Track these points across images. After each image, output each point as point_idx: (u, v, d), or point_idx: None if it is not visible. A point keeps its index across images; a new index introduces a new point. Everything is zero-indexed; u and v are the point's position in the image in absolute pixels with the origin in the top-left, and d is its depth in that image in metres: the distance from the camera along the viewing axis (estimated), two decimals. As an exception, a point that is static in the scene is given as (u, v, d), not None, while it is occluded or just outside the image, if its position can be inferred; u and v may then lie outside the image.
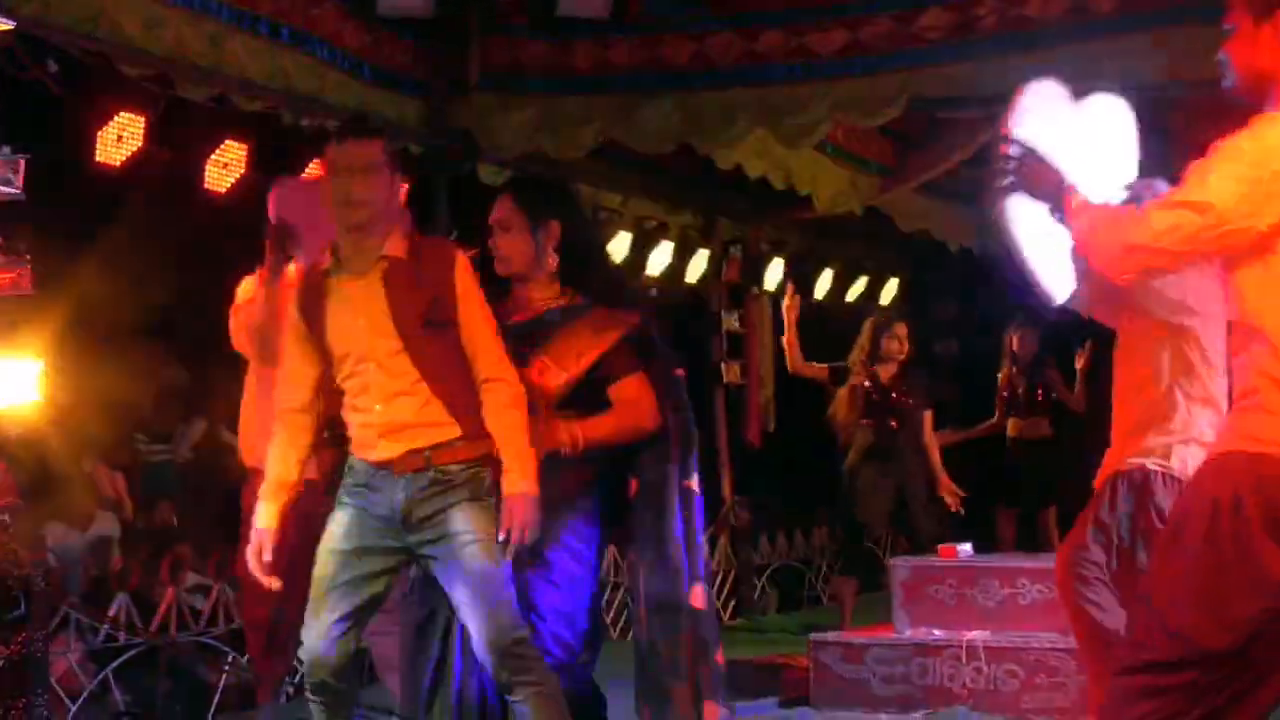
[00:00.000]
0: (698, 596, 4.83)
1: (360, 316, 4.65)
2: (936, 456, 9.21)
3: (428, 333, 4.62)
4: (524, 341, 4.81)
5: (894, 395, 9.17)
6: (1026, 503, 10.86)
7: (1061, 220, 3.53)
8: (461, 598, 4.56)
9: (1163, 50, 7.14)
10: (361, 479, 4.68)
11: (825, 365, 9.38)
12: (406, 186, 4.87)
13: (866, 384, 9.15)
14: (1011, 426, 10.87)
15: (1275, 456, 3.28)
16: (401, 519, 4.61)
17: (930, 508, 9.06)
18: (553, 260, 4.91)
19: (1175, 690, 3.34)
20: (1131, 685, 3.41)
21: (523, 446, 4.60)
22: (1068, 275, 3.93)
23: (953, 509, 9.10)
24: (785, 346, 9.49)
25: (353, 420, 4.70)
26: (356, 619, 4.65)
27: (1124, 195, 4.07)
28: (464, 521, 4.58)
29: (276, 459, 4.77)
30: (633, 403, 4.81)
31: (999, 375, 10.92)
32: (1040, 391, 10.85)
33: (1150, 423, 5.29)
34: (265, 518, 4.73)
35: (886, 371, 9.17)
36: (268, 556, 4.71)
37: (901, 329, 9.33)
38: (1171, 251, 3.34)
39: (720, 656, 4.88)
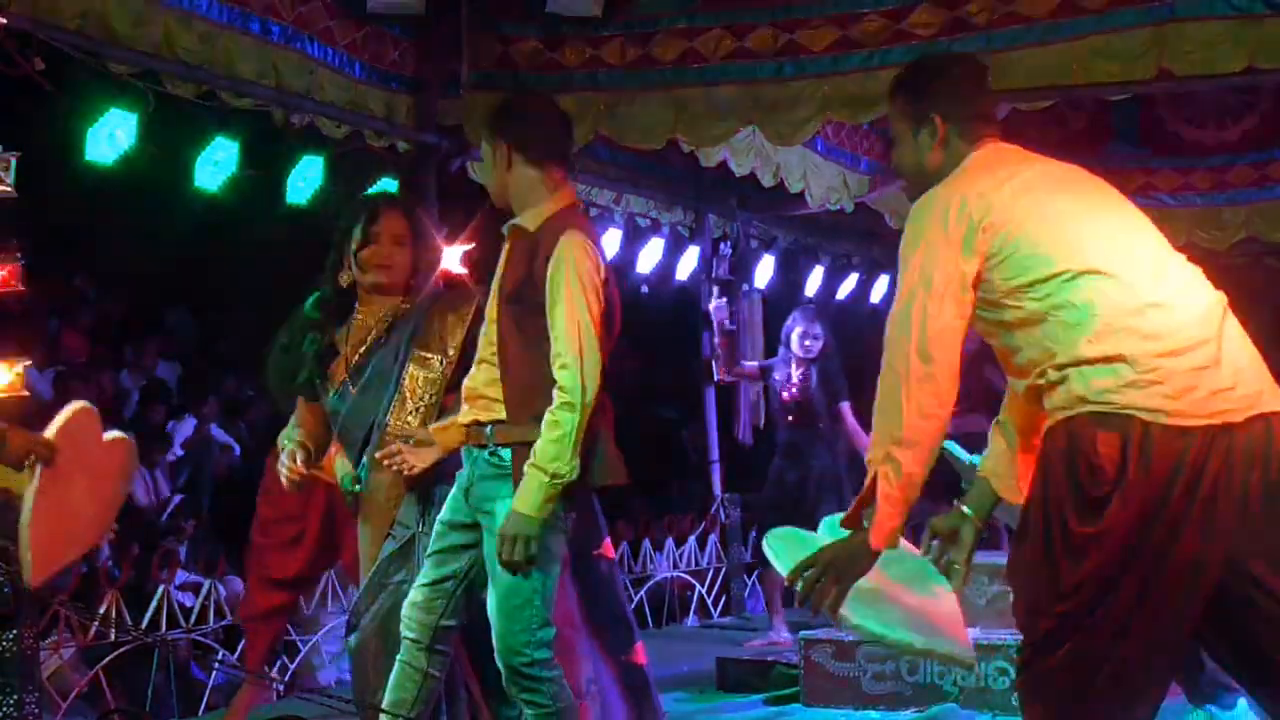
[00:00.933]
0: None
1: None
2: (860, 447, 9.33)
3: (509, 311, 4.67)
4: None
5: (808, 390, 9.25)
6: None
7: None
8: (489, 600, 4.61)
9: (1154, 47, 7.15)
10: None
11: (756, 364, 9.45)
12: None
13: (778, 378, 9.28)
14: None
15: None
16: (464, 491, 4.70)
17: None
18: None
19: (1062, 664, 3.54)
20: (1030, 675, 3.66)
21: (529, 468, 4.59)
22: None
23: None
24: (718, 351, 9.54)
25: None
26: (452, 591, 4.73)
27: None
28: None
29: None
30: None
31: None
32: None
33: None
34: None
35: (801, 366, 9.24)
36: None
37: (816, 326, 9.37)
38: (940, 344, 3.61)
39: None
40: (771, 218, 12.20)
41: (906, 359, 3.61)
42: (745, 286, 11.76)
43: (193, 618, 7.87)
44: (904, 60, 7.67)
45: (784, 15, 7.93)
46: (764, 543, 4.02)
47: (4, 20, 5.94)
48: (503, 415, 4.59)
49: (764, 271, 12.23)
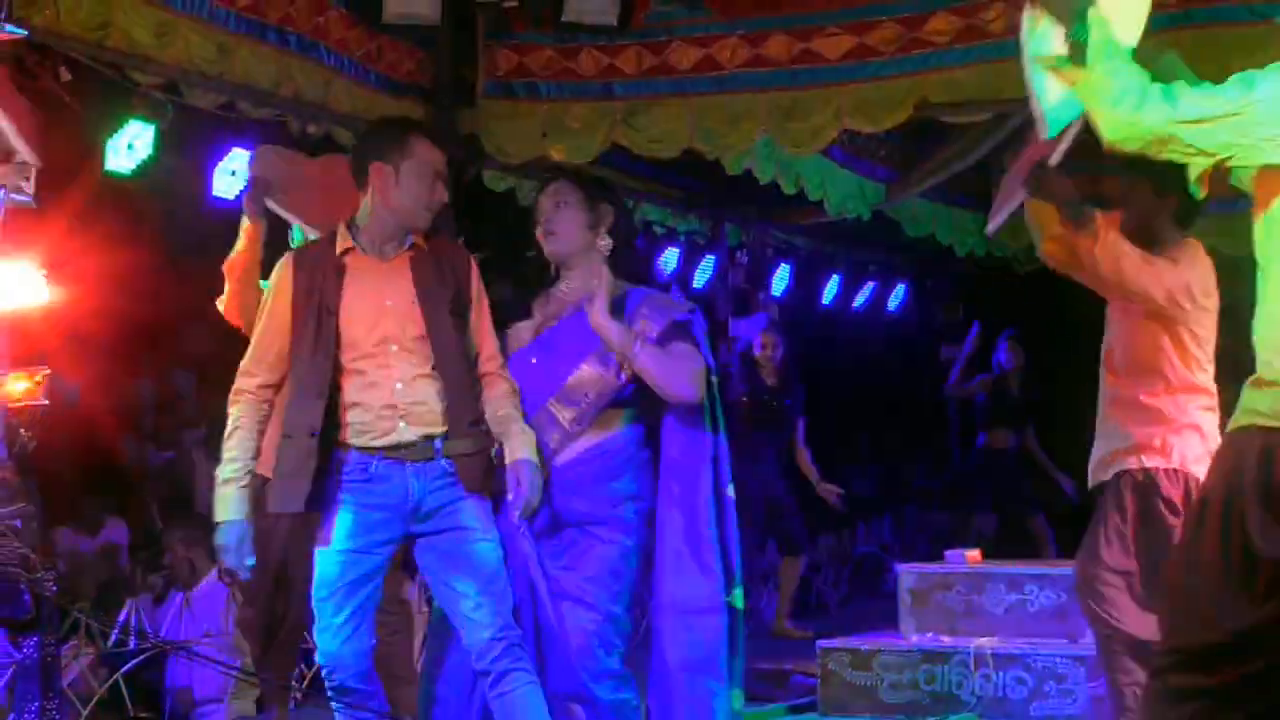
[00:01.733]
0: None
1: (387, 298, 4.71)
2: (805, 463, 9.42)
3: (448, 322, 4.72)
4: (575, 337, 4.87)
5: (766, 403, 9.29)
6: (1007, 510, 11.01)
7: None
8: (467, 590, 4.62)
9: (1170, 52, 7.13)
10: (360, 473, 4.69)
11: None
12: None
13: (744, 396, 9.31)
14: (991, 437, 11.05)
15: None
16: (412, 510, 4.66)
17: (799, 513, 9.26)
18: (605, 244, 4.97)
19: (1212, 692, 3.31)
20: (1166, 686, 3.39)
21: (524, 427, 4.75)
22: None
23: (836, 506, 9.32)
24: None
25: (363, 403, 4.70)
26: (365, 616, 4.70)
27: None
28: (474, 517, 4.68)
29: (248, 441, 4.76)
30: (684, 357, 4.86)
31: (984, 382, 11.07)
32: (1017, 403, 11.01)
33: (1143, 417, 5.26)
34: (235, 508, 4.73)
35: (765, 378, 9.29)
36: (249, 552, 4.74)
37: (770, 336, 9.39)
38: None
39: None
40: (788, 225, 12.21)
41: None
42: (762, 295, 11.78)
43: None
44: (920, 68, 7.69)
45: (800, 23, 7.93)
46: None
47: (25, 33, 5.96)
48: (447, 428, 4.69)
49: (780, 279, 12.24)
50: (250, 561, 4.76)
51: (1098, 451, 5.38)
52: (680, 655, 4.89)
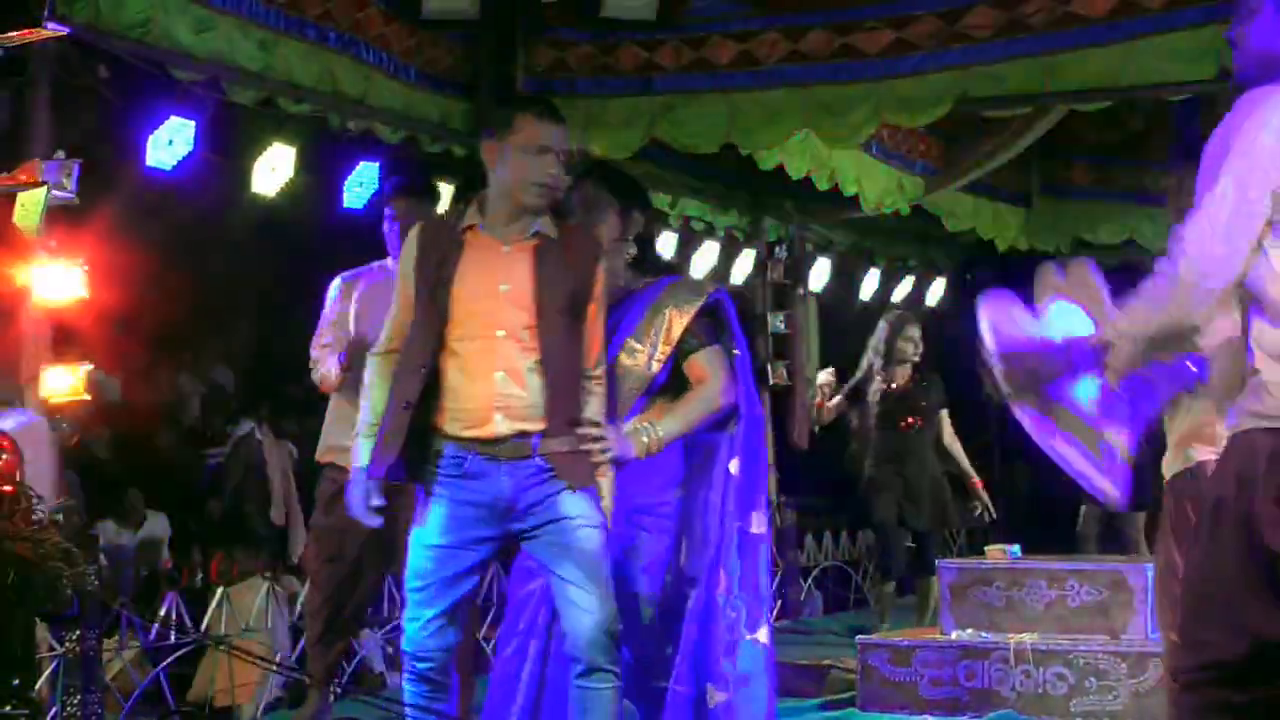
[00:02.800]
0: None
1: (503, 282, 4.63)
2: (962, 455, 9.22)
3: (561, 318, 4.62)
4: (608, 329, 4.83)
5: (910, 398, 9.16)
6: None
7: (1108, 359, 3.48)
8: (573, 577, 4.56)
9: (1214, 46, 7.10)
10: (454, 468, 4.62)
11: (842, 400, 9.31)
12: None
13: (882, 388, 9.15)
14: None
15: None
16: (506, 509, 4.61)
17: (934, 509, 9.09)
18: (631, 252, 4.99)
19: (1244, 709, 3.24)
20: (1198, 700, 3.32)
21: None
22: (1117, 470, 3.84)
23: (982, 517, 9.15)
24: (816, 410, 9.44)
25: (461, 388, 4.62)
26: (456, 613, 4.67)
27: None
28: (574, 506, 4.59)
29: (378, 398, 4.73)
30: (703, 381, 4.87)
31: None
32: None
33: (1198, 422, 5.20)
34: (365, 455, 4.69)
35: (902, 374, 9.14)
36: (376, 500, 4.68)
37: (915, 330, 9.30)
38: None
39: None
40: (827, 221, 12.18)
41: None
42: (801, 290, 11.76)
43: (251, 619, 7.92)
44: (960, 62, 7.67)
45: (839, 18, 7.92)
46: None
47: (68, 30, 6.00)
48: (544, 426, 4.58)
49: (819, 275, 12.21)
50: (375, 505, 4.69)
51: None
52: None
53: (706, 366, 4.88)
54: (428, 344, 4.63)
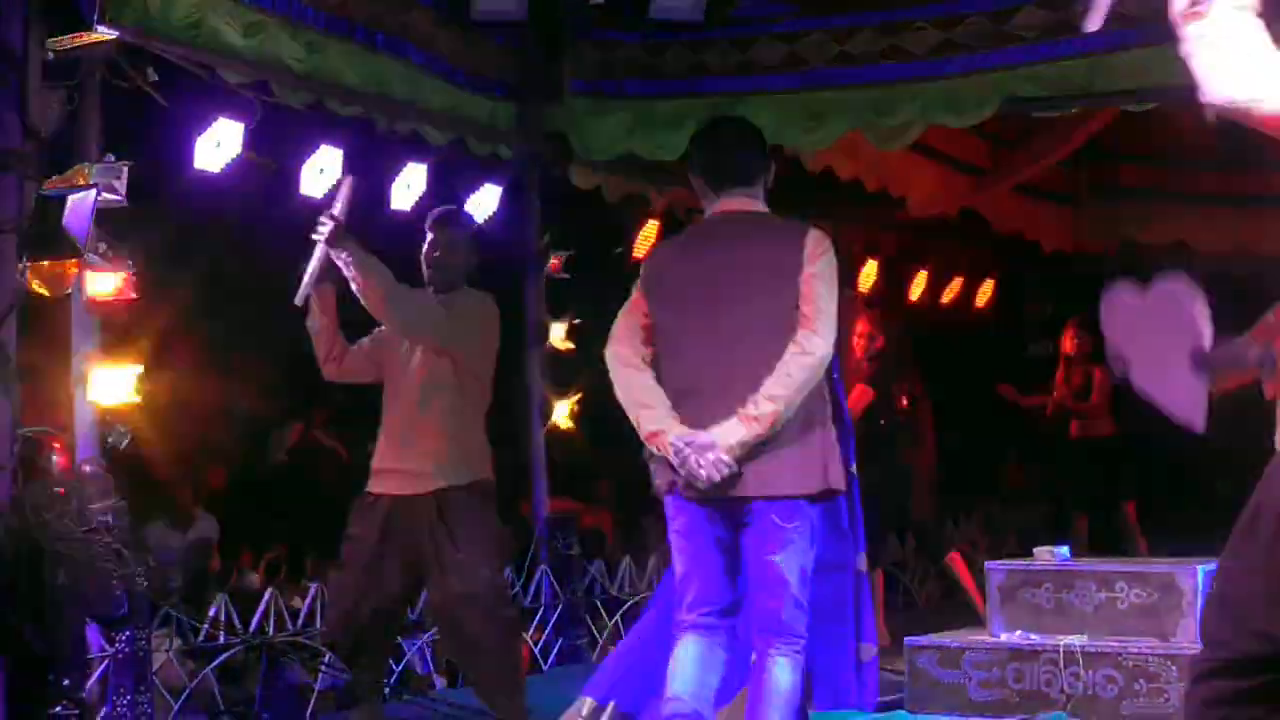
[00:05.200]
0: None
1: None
2: None
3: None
4: None
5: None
6: (1095, 503, 10.90)
7: None
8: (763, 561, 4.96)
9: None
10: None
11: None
12: None
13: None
14: (1073, 427, 10.95)
15: None
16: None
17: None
18: None
19: (1251, 695, 3.24)
20: (1207, 692, 3.31)
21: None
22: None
23: None
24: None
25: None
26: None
27: None
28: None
29: (651, 389, 5.00)
30: None
31: (1055, 374, 11.03)
32: (1094, 390, 10.87)
33: None
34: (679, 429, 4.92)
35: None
36: (724, 460, 4.86)
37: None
38: None
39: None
40: (875, 223, 12.15)
41: None
42: (848, 291, 11.73)
43: (300, 621, 7.95)
44: (1008, 63, 7.63)
45: (886, 19, 7.90)
46: None
47: (117, 33, 6.03)
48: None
49: (866, 276, 12.18)
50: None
51: None
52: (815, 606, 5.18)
53: None
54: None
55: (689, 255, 5.20)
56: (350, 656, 6.51)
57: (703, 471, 4.81)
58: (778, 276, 5.00)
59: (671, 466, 4.90)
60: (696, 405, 4.93)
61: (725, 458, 4.81)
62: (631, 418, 5.01)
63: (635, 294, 5.16)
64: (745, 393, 4.85)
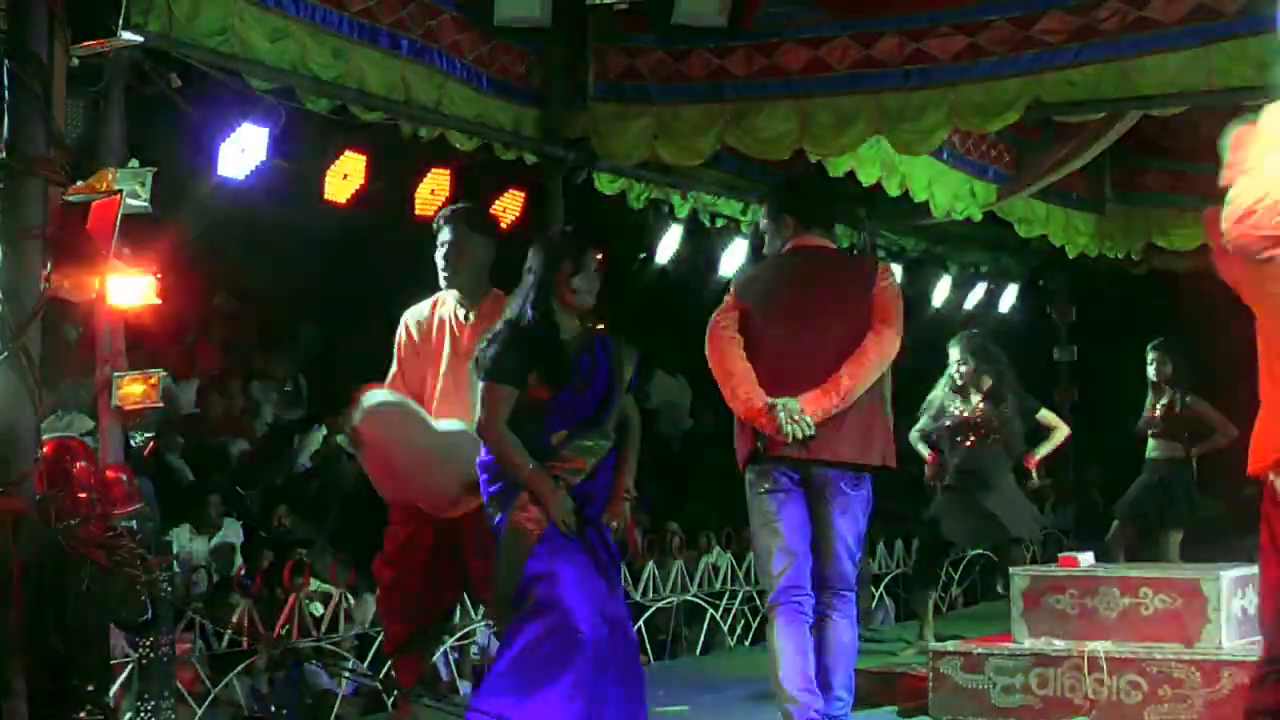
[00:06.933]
0: None
1: None
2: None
3: None
4: None
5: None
6: (1148, 519, 10.85)
7: None
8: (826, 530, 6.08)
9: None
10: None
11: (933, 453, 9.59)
12: None
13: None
14: (1150, 446, 10.93)
15: None
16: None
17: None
18: None
19: None
20: (1263, 699, 3.36)
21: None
22: None
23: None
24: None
25: None
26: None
27: None
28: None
29: (743, 361, 6.08)
30: None
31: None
32: (1175, 415, 10.82)
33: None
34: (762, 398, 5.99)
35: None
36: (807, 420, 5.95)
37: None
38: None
39: None
40: (899, 228, 12.13)
41: None
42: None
43: (323, 626, 7.96)
44: (1032, 68, 7.61)
45: (911, 23, 7.87)
46: None
47: (142, 39, 6.04)
48: None
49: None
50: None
51: None
52: None
53: None
54: None
55: (780, 273, 6.31)
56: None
57: (789, 427, 5.83)
58: (848, 299, 6.12)
59: (753, 434, 5.98)
60: (776, 390, 5.96)
61: (809, 418, 5.85)
62: (722, 385, 6.06)
63: (729, 298, 6.28)
64: (819, 380, 5.93)
